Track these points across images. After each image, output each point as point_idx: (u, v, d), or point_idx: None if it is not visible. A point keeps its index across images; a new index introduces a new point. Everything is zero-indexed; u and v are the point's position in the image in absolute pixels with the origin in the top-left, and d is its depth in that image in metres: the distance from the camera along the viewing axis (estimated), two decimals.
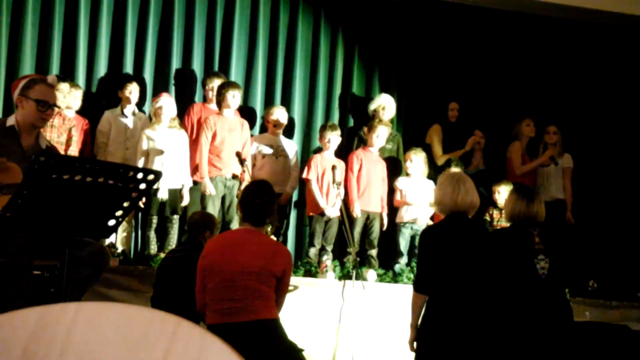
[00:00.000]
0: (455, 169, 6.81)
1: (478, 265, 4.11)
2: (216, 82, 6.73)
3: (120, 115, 6.54)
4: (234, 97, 6.47)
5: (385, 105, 7.24)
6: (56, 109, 4.00)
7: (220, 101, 6.49)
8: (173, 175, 6.34)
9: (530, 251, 4.26)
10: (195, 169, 6.52)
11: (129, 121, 6.54)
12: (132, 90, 6.55)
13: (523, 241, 4.28)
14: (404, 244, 6.83)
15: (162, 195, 6.30)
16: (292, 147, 6.98)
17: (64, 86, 6.19)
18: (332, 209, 6.60)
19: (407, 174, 7.00)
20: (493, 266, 4.26)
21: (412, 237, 6.79)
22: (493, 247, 4.34)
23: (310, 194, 6.70)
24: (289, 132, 7.31)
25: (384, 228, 6.87)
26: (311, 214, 6.73)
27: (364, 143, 7.05)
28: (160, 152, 6.32)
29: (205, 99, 6.97)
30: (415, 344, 4.15)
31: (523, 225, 4.35)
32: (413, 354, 4.19)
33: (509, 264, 4.25)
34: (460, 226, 4.17)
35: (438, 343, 4.01)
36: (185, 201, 6.46)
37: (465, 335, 3.99)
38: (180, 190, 6.43)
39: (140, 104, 6.87)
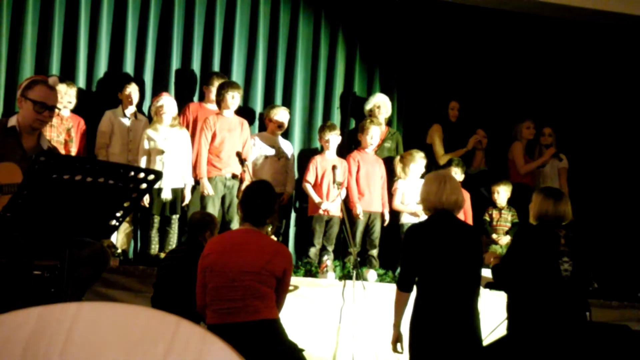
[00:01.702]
0: (455, 169, 6.80)
1: (464, 263, 4.10)
2: (218, 84, 6.71)
3: (122, 116, 6.51)
4: (234, 98, 6.45)
5: (380, 104, 7.21)
6: (56, 111, 3.97)
7: (220, 101, 6.47)
8: (176, 175, 6.34)
9: (555, 252, 4.30)
10: (194, 168, 6.51)
11: (131, 123, 6.51)
12: (132, 91, 6.53)
13: (549, 241, 4.32)
14: None
15: (166, 195, 6.29)
16: (288, 147, 6.98)
17: (61, 87, 6.17)
18: (330, 204, 6.58)
19: (400, 177, 6.97)
20: (517, 262, 4.31)
21: None
22: (519, 244, 4.38)
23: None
24: (286, 131, 7.31)
25: (386, 224, 6.87)
26: (311, 214, 6.73)
27: (359, 145, 7.03)
28: (162, 152, 6.29)
29: (203, 98, 6.96)
30: (399, 344, 4.15)
31: (550, 225, 4.39)
32: (405, 354, 4.18)
33: (534, 263, 4.29)
34: (445, 224, 4.15)
35: (430, 342, 3.99)
36: (187, 200, 6.45)
37: (456, 333, 3.99)
38: (182, 189, 6.42)
39: (140, 105, 6.86)
